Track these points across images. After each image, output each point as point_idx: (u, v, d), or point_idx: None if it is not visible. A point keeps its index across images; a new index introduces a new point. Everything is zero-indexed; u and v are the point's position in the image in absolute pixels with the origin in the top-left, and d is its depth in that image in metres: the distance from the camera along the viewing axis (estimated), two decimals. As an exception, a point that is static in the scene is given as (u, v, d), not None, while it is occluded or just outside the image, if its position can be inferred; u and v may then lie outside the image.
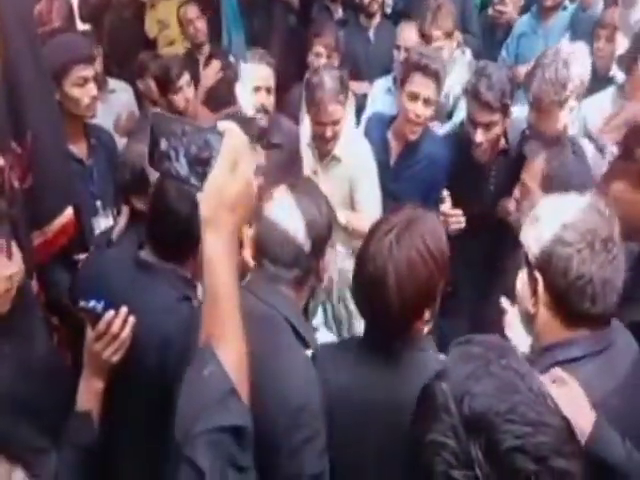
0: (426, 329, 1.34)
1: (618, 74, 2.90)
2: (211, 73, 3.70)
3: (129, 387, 1.47)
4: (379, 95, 3.31)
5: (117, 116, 3.26)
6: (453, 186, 2.52)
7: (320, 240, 1.36)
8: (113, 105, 3.36)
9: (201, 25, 3.82)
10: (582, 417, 1.08)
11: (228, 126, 0.94)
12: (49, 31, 3.00)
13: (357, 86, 3.68)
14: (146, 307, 1.45)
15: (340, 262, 2.56)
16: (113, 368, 1.41)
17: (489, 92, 2.31)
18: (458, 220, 2.40)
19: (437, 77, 2.49)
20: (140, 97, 3.62)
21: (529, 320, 1.28)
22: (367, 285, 1.29)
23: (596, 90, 2.70)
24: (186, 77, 3.21)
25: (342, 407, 1.29)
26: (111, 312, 1.38)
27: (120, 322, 1.38)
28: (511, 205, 2.36)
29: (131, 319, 1.39)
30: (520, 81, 2.65)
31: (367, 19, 3.94)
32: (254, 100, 2.67)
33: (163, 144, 0.94)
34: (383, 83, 3.37)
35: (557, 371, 1.15)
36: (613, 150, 2.19)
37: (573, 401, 1.08)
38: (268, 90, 2.72)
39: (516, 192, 2.07)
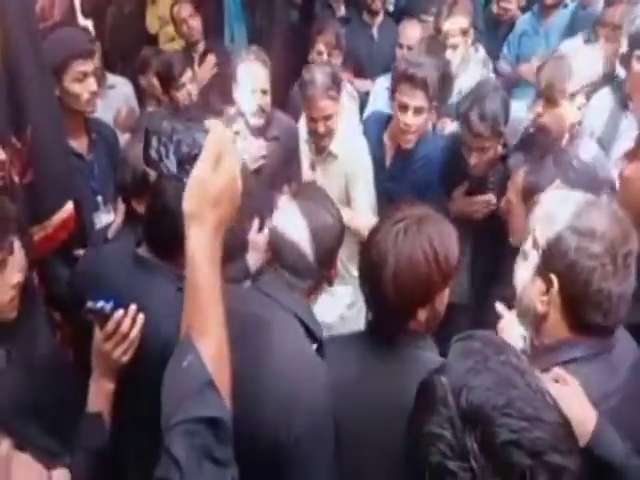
0: (426, 332, 1.34)
1: (622, 72, 2.89)
2: (206, 70, 3.69)
3: (137, 386, 1.43)
4: (381, 93, 3.30)
5: (117, 112, 3.26)
6: (451, 187, 2.52)
7: (332, 247, 1.39)
8: (112, 101, 3.35)
9: (195, 23, 3.80)
10: (584, 416, 1.08)
11: (213, 123, 0.95)
12: (50, 26, 2.99)
13: (360, 84, 3.69)
14: (146, 303, 1.45)
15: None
16: (122, 368, 1.39)
17: (481, 123, 2.28)
18: (486, 205, 2.42)
19: (425, 86, 2.45)
20: (141, 93, 3.62)
21: (535, 317, 1.26)
22: (367, 269, 1.31)
23: (599, 89, 2.69)
24: (189, 73, 3.21)
25: (344, 401, 1.29)
26: (120, 311, 1.36)
27: (129, 321, 1.36)
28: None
29: (140, 317, 1.37)
30: (521, 78, 2.65)
31: (370, 17, 3.95)
32: (251, 103, 2.68)
33: (154, 142, 0.95)
34: (385, 81, 3.36)
35: (559, 371, 1.15)
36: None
37: (575, 400, 1.08)
38: (264, 91, 2.73)
39: (502, 203, 2.05)
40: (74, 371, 1.63)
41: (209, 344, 0.92)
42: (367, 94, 3.50)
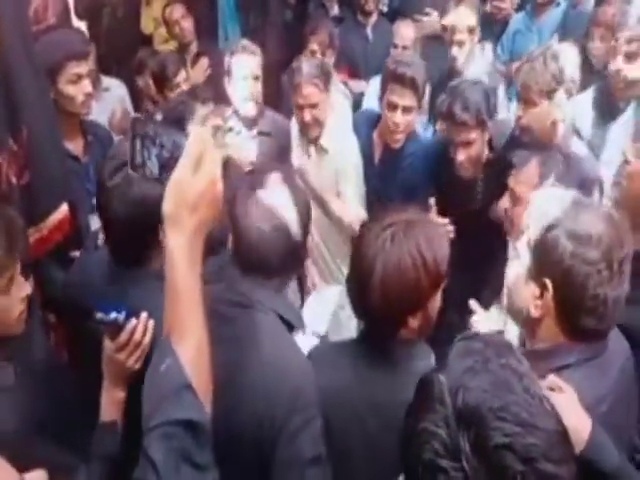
0: (420, 337, 1.33)
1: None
2: (199, 72, 3.69)
3: (139, 390, 1.44)
4: (374, 93, 3.31)
5: (111, 114, 3.26)
6: (440, 190, 2.52)
7: (307, 230, 1.34)
8: (107, 103, 3.35)
9: (187, 25, 3.80)
10: (579, 425, 1.08)
11: (195, 128, 0.97)
12: (44, 28, 2.99)
13: (354, 84, 3.69)
14: (134, 308, 1.43)
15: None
16: (133, 375, 1.36)
17: (465, 113, 2.30)
18: (446, 230, 2.37)
19: (414, 85, 2.47)
20: (136, 95, 3.62)
21: (528, 321, 1.25)
22: (354, 278, 1.29)
23: (587, 86, 2.72)
24: (182, 74, 3.21)
25: (336, 408, 1.29)
26: (133, 321, 1.34)
27: (142, 328, 1.34)
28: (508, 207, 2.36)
29: (151, 323, 1.35)
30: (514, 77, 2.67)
31: (364, 17, 3.95)
32: (243, 90, 2.71)
33: (138, 146, 0.96)
34: (379, 81, 3.37)
35: (554, 379, 1.14)
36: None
37: (570, 409, 1.07)
38: (255, 78, 2.76)
39: (505, 202, 2.04)
40: (70, 374, 1.64)
41: (188, 347, 0.92)
42: (362, 95, 3.51)
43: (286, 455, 1.17)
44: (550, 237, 1.18)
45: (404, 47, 3.46)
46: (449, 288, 1.32)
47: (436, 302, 1.30)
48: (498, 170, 2.45)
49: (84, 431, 1.36)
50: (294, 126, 2.84)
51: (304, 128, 2.68)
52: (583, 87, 2.58)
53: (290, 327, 1.33)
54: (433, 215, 2.37)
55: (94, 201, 2.32)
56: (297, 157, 2.81)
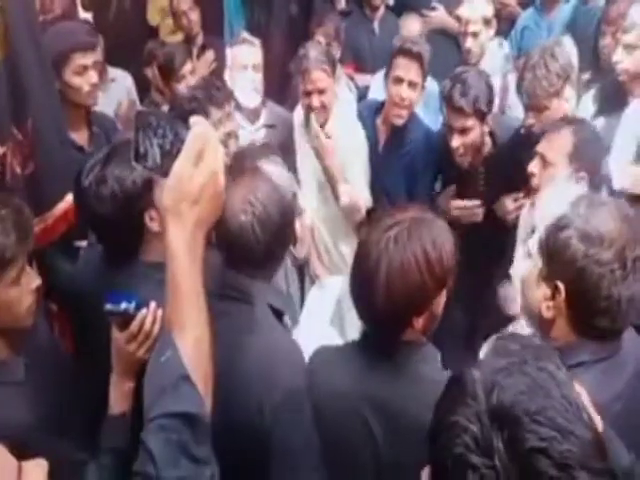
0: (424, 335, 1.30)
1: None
2: (204, 65, 3.68)
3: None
4: (380, 86, 3.31)
5: (118, 104, 3.26)
6: (443, 181, 2.56)
7: (289, 218, 1.32)
8: (114, 94, 3.35)
9: (194, 16, 3.79)
10: None
11: (196, 119, 0.94)
12: (51, 19, 2.99)
13: (360, 78, 3.67)
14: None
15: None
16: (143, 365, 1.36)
17: (462, 98, 2.32)
18: (474, 212, 2.44)
19: (420, 59, 2.55)
20: (143, 86, 3.61)
21: (541, 321, 1.24)
22: (358, 280, 1.26)
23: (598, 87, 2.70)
24: (188, 66, 3.21)
25: (339, 410, 1.27)
26: (144, 311, 1.32)
27: (152, 318, 1.33)
28: (510, 204, 2.36)
29: (159, 312, 1.32)
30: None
31: (371, 11, 3.93)
32: (243, 80, 2.73)
33: (140, 137, 0.95)
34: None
35: None
36: None
37: None
38: (255, 67, 2.78)
39: (533, 167, 2.02)
40: (74, 364, 1.63)
41: (188, 339, 0.91)
42: (367, 89, 3.49)
43: (279, 449, 1.16)
44: (561, 238, 1.16)
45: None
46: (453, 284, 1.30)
47: (441, 301, 1.27)
48: (502, 166, 2.46)
49: (92, 423, 1.36)
50: (298, 116, 2.85)
51: (311, 114, 2.68)
52: (593, 84, 2.56)
53: (280, 314, 1.31)
54: (458, 202, 2.41)
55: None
56: (301, 146, 2.82)
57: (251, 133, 2.79)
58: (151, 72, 3.49)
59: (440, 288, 1.23)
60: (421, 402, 1.19)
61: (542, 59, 2.26)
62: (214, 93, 2.36)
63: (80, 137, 2.41)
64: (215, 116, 2.30)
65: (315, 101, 2.61)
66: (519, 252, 1.60)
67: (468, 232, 2.38)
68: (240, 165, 1.31)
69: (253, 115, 2.84)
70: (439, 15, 3.64)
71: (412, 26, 3.54)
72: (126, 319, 1.32)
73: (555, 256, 1.17)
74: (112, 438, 1.30)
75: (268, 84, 2.92)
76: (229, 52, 2.93)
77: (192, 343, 0.91)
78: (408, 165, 2.68)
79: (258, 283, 1.29)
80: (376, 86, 3.34)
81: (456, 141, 2.40)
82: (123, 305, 1.31)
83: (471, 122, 2.36)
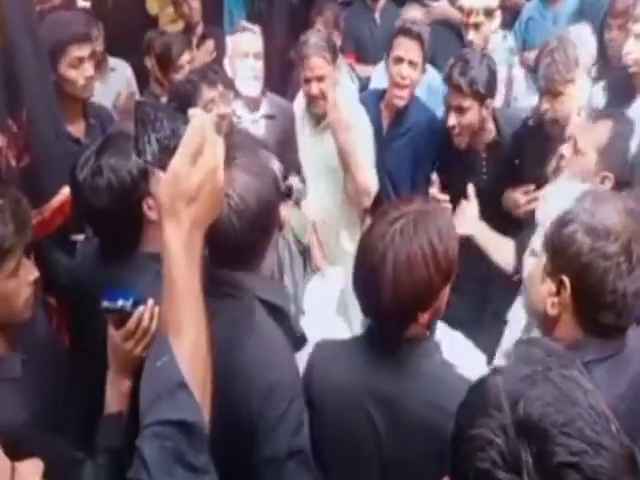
0: (427, 333, 1.29)
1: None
2: (204, 54, 3.65)
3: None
4: (382, 76, 3.28)
5: (116, 95, 3.23)
6: (444, 171, 2.53)
7: (271, 206, 1.26)
8: (113, 84, 3.33)
9: (195, 4, 3.77)
10: None
11: (195, 112, 0.90)
12: (49, 8, 2.95)
13: (361, 69, 3.64)
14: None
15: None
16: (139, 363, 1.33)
17: (461, 77, 2.33)
18: (445, 206, 2.38)
19: (420, 39, 2.59)
20: (142, 76, 3.58)
21: (545, 318, 1.23)
22: (363, 275, 1.24)
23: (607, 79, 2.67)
24: (186, 56, 3.17)
25: (343, 405, 1.26)
26: (141, 308, 1.31)
27: (149, 315, 1.31)
28: (521, 198, 2.34)
29: (156, 310, 1.31)
30: (529, 65, 2.64)
31: (372, 1, 3.88)
32: (244, 68, 2.72)
33: (139, 130, 0.92)
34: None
35: None
36: None
37: None
38: (256, 55, 2.76)
39: (565, 149, 1.99)
40: (71, 358, 1.62)
41: (184, 343, 0.88)
42: (369, 80, 3.46)
43: (263, 451, 1.14)
44: (566, 232, 1.15)
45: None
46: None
47: (446, 293, 1.26)
48: (507, 155, 2.46)
49: (88, 422, 1.34)
50: (299, 105, 2.85)
51: (313, 104, 2.70)
52: (600, 78, 2.53)
53: (273, 308, 1.27)
54: (435, 190, 2.41)
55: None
56: (302, 137, 2.83)
57: (251, 123, 2.76)
58: (150, 62, 3.46)
59: (445, 282, 1.22)
60: (424, 398, 1.20)
61: (561, 44, 2.28)
62: (208, 74, 2.35)
63: (76, 129, 2.39)
64: (207, 95, 2.28)
65: (314, 88, 2.61)
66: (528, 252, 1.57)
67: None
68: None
69: (253, 104, 2.81)
70: (441, 5, 3.60)
71: (414, 17, 3.49)
72: (123, 316, 1.30)
73: (560, 251, 1.16)
74: (108, 437, 1.29)
75: (268, 74, 2.89)
76: (229, 40, 2.90)
77: (189, 347, 0.88)
78: (411, 148, 2.71)
79: (241, 275, 1.24)
80: (377, 76, 3.31)
81: (452, 119, 2.42)
82: (120, 302, 1.29)
83: (468, 102, 2.37)
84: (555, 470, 0.68)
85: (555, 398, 0.72)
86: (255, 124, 2.79)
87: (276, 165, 1.26)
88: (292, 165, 2.94)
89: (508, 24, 3.64)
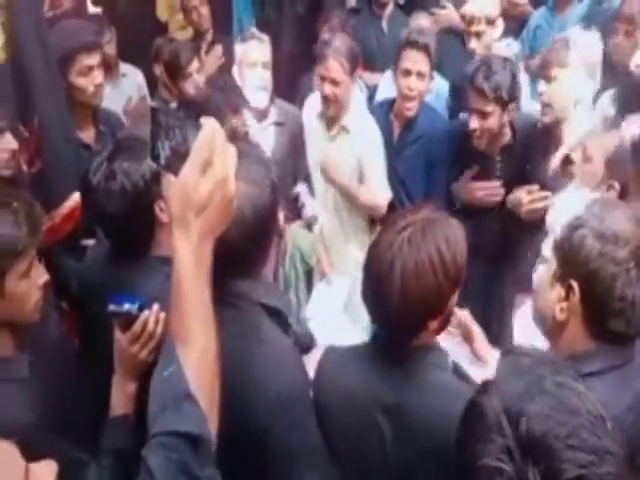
0: (435, 341, 1.28)
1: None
2: (213, 59, 3.67)
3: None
4: (389, 84, 3.28)
5: (127, 100, 3.26)
6: (457, 175, 2.54)
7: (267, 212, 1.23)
8: (124, 89, 3.36)
9: (205, 11, 3.78)
10: None
11: (207, 121, 0.89)
12: (60, 14, 2.98)
13: (369, 77, 3.65)
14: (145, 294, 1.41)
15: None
16: (145, 367, 1.33)
17: (485, 81, 2.33)
18: (495, 192, 2.45)
19: (427, 50, 2.60)
20: (151, 83, 3.61)
21: (553, 325, 1.22)
22: (371, 284, 1.23)
23: (613, 86, 2.66)
24: (195, 64, 3.19)
25: (350, 412, 1.26)
26: (146, 312, 1.31)
27: (154, 319, 1.32)
28: (524, 196, 2.34)
29: (162, 314, 1.32)
30: (533, 71, 2.66)
31: (380, 9, 3.90)
32: (253, 78, 2.75)
33: (154, 135, 0.94)
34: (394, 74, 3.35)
35: None
36: None
37: None
38: (264, 65, 2.79)
39: (575, 155, 2.01)
40: (79, 361, 1.63)
41: (192, 353, 0.87)
42: (376, 88, 3.46)
43: (273, 460, 1.13)
44: (576, 237, 1.15)
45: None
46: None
47: (455, 299, 1.26)
48: (518, 159, 2.48)
49: (94, 424, 1.34)
50: (312, 111, 2.87)
51: (326, 106, 2.72)
52: (606, 86, 2.53)
53: (276, 313, 1.25)
54: (477, 183, 2.44)
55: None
56: (316, 141, 2.84)
57: (260, 131, 2.77)
58: (159, 69, 3.49)
59: (454, 288, 1.22)
60: (431, 406, 1.20)
61: (562, 40, 2.39)
62: (231, 97, 2.40)
63: (87, 135, 2.41)
64: (230, 121, 2.30)
65: (327, 89, 2.64)
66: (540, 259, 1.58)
67: (482, 224, 2.41)
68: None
69: (261, 113, 2.83)
70: (449, 13, 3.61)
71: (422, 25, 3.50)
72: (129, 320, 1.31)
73: (570, 256, 1.16)
74: (114, 440, 1.29)
75: (277, 81, 2.90)
76: (238, 49, 2.92)
77: (197, 358, 0.88)
78: (423, 155, 2.71)
79: (243, 283, 1.22)
80: (385, 85, 3.32)
81: (474, 123, 2.40)
82: (126, 306, 1.31)
83: (491, 107, 2.36)
84: None
85: (554, 409, 0.72)
86: (264, 131, 2.81)
87: (274, 173, 1.26)
88: (300, 171, 2.97)
89: (516, 32, 3.66)
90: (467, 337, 1.59)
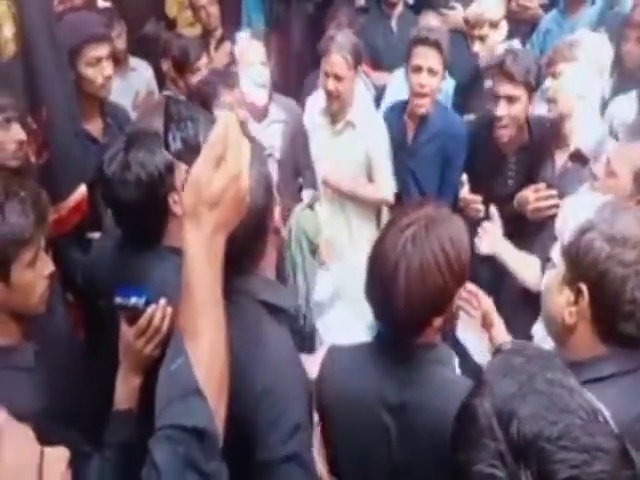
0: (439, 338, 1.28)
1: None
2: (221, 56, 3.67)
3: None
4: (398, 84, 3.27)
5: (135, 94, 3.26)
6: (472, 173, 2.53)
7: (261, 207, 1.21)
8: (133, 83, 3.35)
9: (213, 10, 3.77)
10: None
11: (222, 114, 0.89)
12: (69, 8, 2.98)
13: (377, 77, 3.64)
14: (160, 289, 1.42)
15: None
16: (151, 361, 1.34)
17: (514, 65, 2.33)
18: (476, 207, 2.42)
19: (438, 46, 2.59)
20: (161, 77, 3.61)
21: (562, 329, 1.21)
22: (375, 283, 1.22)
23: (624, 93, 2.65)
24: (204, 59, 3.19)
25: (356, 411, 1.25)
26: (153, 306, 1.31)
27: (161, 314, 1.32)
28: (530, 195, 2.33)
29: (169, 309, 1.32)
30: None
31: (389, 8, 3.89)
32: (252, 76, 2.76)
33: (166, 126, 0.93)
34: (403, 73, 3.33)
35: None
36: None
37: None
38: (262, 63, 2.81)
39: (597, 169, 1.92)
40: (85, 353, 1.63)
41: (200, 347, 0.87)
42: (384, 88, 3.46)
43: (258, 455, 1.11)
44: (584, 240, 1.14)
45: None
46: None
47: (459, 296, 1.25)
48: (530, 159, 2.47)
49: (98, 417, 1.34)
50: (318, 106, 2.88)
51: (330, 101, 2.74)
52: (617, 91, 2.52)
53: (276, 309, 1.23)
54: (466, 190, 2.45)
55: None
56: (322, 137, 2.86)
57: (260, 130, 2.77)
58: (167, 64, 3.49)
59: (458, 286, 1.21)
60: (435, 404, 1.19)
61: (571, 40, 2.38)
62: (227, 77, 2.45)
63: (94, 128, 2.41)
64: (225, 98, 2.35)
65: (330, 84, 2.65)
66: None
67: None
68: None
69: (261, 113, 2.84)
70: (457, 14, 3.60)
71: (431, 24, 3.49)
72: (135, 314, 1.31)
73: (579, 259, 1.15)
74: (117, 433, 1.29)
75: (285, 78, 2.91)
76: (236, 50, 2.93)
77: (205, 352, 0.87)
78: (439, 154, 2.71)
79: (241, 280, 1.19)
80: (394, 86, 3.31)
81: (502, 109, 2.37)
82: (133, 299, 1.30)
83: (519, 92, 2.35)
84: None
85: (546, 409, 0.71)
86: (264, 131, 2.81)
87: (269, 168, 1.24)
88: (304, 165, 2.97)
89: (526, 35, 3.64)
90: (486, 323, 1.60)
